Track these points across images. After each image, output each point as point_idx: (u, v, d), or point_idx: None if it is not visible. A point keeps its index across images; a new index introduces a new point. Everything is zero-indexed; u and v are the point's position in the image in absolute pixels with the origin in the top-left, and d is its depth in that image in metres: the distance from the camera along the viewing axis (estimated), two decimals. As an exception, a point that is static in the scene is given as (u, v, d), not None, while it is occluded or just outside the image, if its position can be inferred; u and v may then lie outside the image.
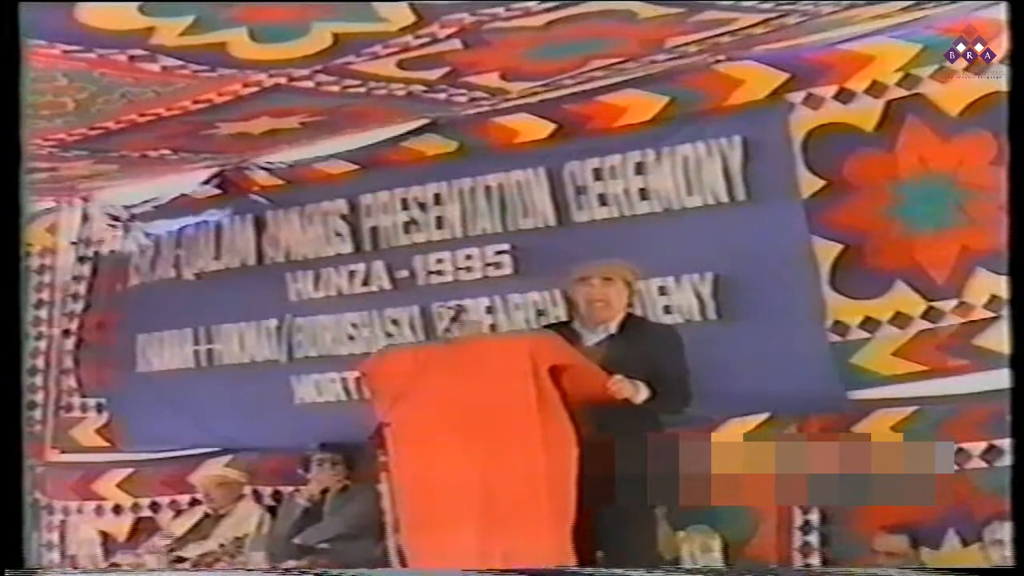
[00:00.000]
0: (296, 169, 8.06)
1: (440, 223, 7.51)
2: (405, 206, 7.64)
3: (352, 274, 7.86)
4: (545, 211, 7.15)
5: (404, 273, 7.67)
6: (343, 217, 7.86)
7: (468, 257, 7.42)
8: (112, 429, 8.94)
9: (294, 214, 8.08)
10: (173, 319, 8.61)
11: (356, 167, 7.84)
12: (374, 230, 7.76)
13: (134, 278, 8.86)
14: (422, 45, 5.50)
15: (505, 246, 7.29)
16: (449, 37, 5.42)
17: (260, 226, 8.24)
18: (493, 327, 7.17)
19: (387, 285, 7.74)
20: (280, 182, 8.19)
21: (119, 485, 8.86)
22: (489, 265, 7.35)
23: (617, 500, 5.32)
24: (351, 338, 7.85)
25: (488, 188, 7.32)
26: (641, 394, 5.35)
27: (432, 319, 7.49)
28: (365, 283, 7.81)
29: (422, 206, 7.57)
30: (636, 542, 5.49)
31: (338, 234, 7.90)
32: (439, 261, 7.53)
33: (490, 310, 7.27)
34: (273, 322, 8.17)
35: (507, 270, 7.26)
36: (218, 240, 8.43)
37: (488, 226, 7.35)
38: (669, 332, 5.93)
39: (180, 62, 5.51)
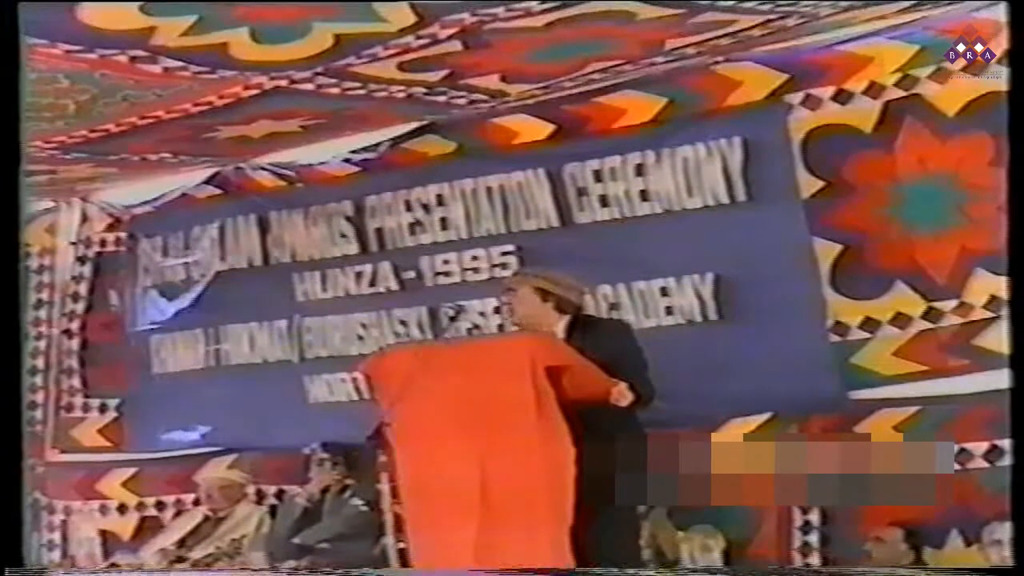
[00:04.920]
0: (298, 171, 8.07)
1: (444, 224, 7.52)
2: (408, 207, 7.64)
3: (359, 275, 7.87)
4: (548, 212, 7.15)
5: (411, 274, 7.67)
6: (348, 219, 7.87)
7: (475, 258, 7.43)
8: (122, 430, 8.95)
9: (298, 215, 8.09)
10: (184, 320, 8.64)
11: (358, 169, 7.85)
12: (379, 231, 7.76)
13: (143, 279, 8.88)
14: (423, 46, 5.51)
15: (511, 247, 7.29)
16: (450, 38, 5.43)
17: (264, 227, 8.26)
18: (501, 328, 7.17)
19: (394, 286, 7.75)
20: (283, 183, 8.20)
21: (124, 484, 8.87)
22: (496, 266, 7.34)
23: (616, 500, 5.34)
24: (360, 338, 7.85)
25: (489, 189, 7.33)
26: (628, 397, 5.38)
27: (440, 320, 7.49)
28: (372, 284, 7.82)
29: (425, 207, 7.58)
30: (619, 543, 5.52)
31: (343, 235, 7.91)
32: (446, 262, 7.54)
33: (498, 310, 7.26)
34: (283, 322, 8.19)
35: (514, 271, 7.24)
36: (222, 241, 8.45)
37: (492, 227, 7.35)
38: (620, 327, 5.97)
39: (181, 63, 5.53)
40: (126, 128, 6.64)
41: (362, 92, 6.23)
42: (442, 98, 6.55)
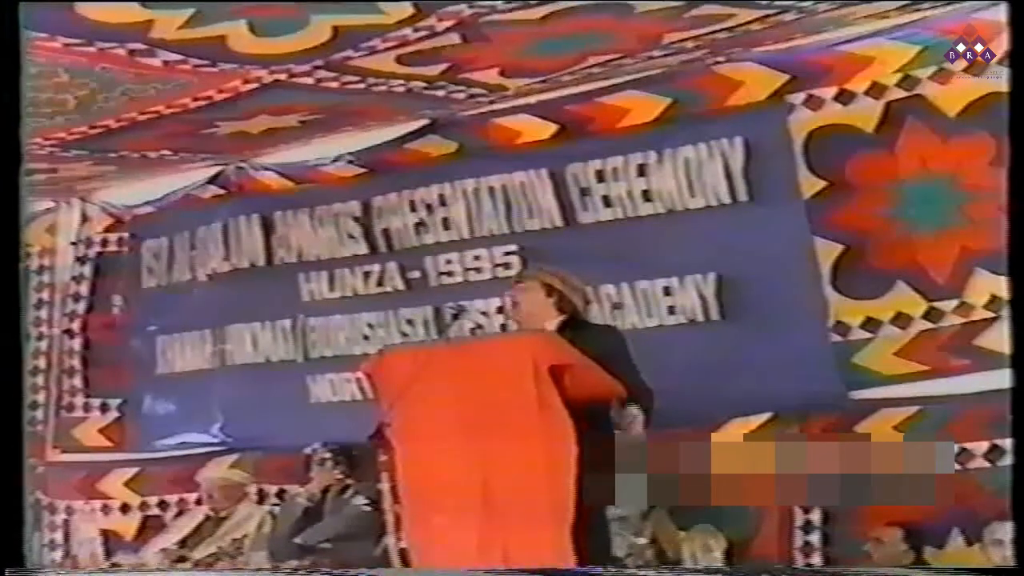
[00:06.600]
0: (302, 171, 8.09)
1: (447, 224, 7.53)
2: (413, 208, 7.65)
3: (367, 275, 7.88)
4: (551, 212, 7.15)
5: (416, 274, 7.68)
6: (355, 219, 7.88)
7: (477, 258, 7.44)
8: (124, 429, 8.98)
9: (303, 215, 8.11)
10: (189, 320, 8.65)
11: (362, 170, 7.86)
12: (386, 231, 7.77)
13: (148, 280, 8.90)
14: (420, 38, 5.53)
15: (513, 247, 7.30)
16: (447, 30, 5.45)
17: (268, 227, 8.27)
18: (504, 327, 7.15)
19: (400, 286, 7.76)
20: (286, 183, 8.22)
21: (127, 484, 8.88)
22: (499, 266, 7.35)
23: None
24: (366, 338, 7.85)
25: (492, 189, 7.34)
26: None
27: (444, 319, 7.48)
28: (380, 284, 7.83)
29: (429, 207, 7.58)
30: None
31: (351, 236, 7.91)
32: (448, 262, 7.55)
33: (501, 310, 7.24)
34: (287, 322, 8.20)
35: (520, 269, 7.23)
36: (226, 240, 8.46)
37: (495, 227, 7.36)
38: (611, 333, 5.92)
39: (180, 56, 5.55)
40: (126, 124, 6.67)
41: (361, 86, 6.25)
42: (441, 92, 6.56)
